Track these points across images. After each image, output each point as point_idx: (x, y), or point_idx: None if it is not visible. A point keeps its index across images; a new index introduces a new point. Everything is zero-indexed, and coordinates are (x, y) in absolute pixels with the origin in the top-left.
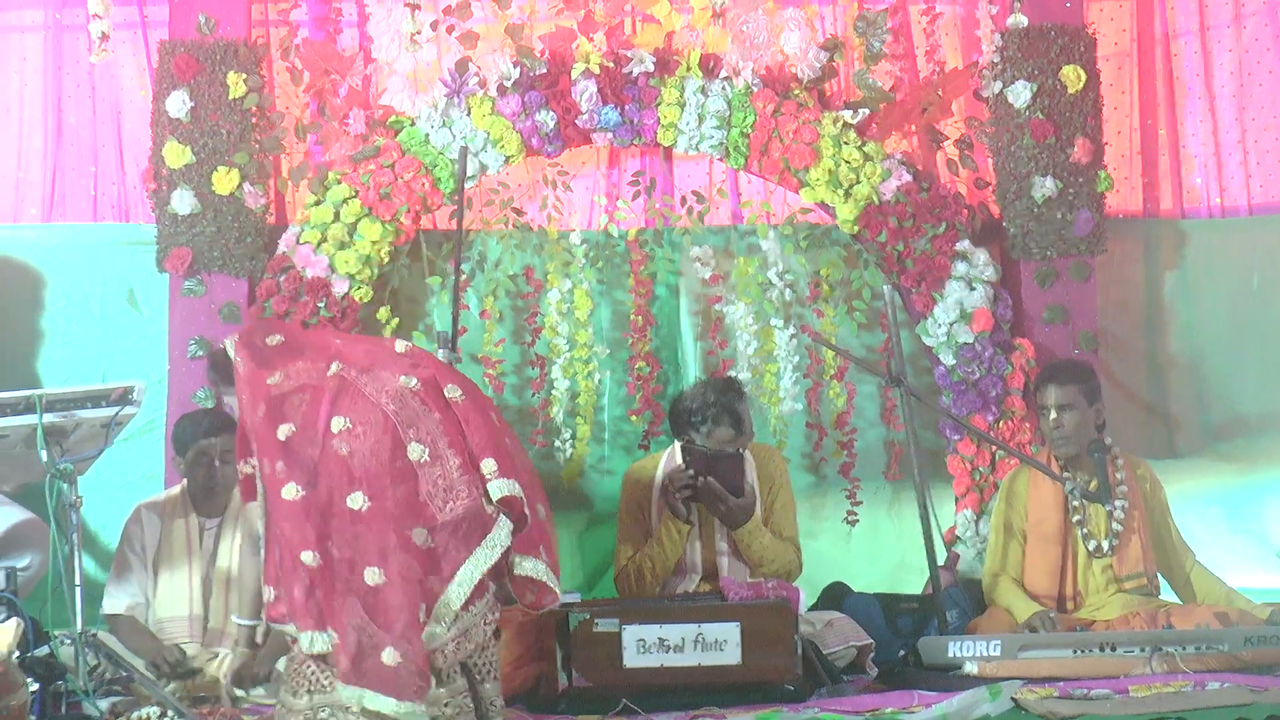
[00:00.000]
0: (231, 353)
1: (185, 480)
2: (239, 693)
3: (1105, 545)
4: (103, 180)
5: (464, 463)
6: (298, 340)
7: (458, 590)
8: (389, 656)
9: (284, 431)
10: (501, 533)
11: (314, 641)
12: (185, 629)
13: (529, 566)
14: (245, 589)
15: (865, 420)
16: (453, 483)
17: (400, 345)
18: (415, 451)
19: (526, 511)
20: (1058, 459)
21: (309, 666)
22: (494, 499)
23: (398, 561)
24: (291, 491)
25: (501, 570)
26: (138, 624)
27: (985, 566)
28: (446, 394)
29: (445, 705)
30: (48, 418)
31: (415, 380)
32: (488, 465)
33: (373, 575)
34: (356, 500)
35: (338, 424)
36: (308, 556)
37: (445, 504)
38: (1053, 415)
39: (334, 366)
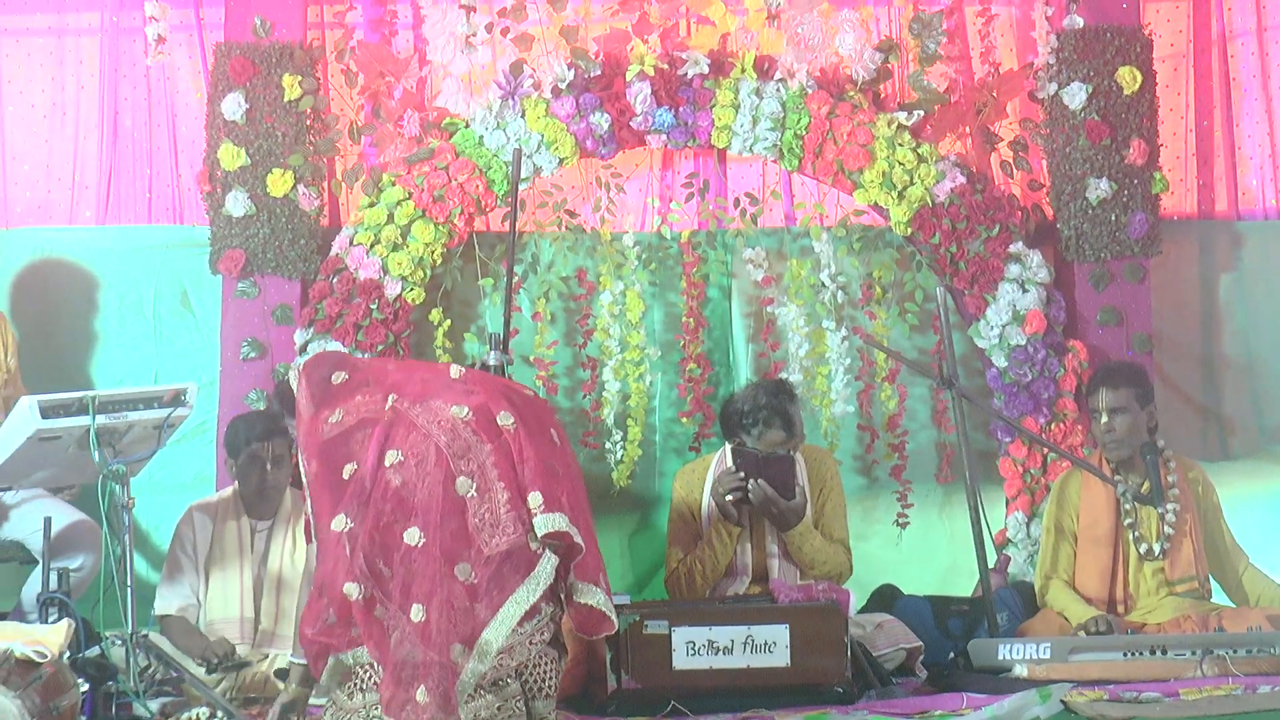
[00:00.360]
0: (294, 384)
1: (237, 482)
2: None
3: (1157, 548)
4: (157, 182)
5: (512, 497)
6: (360, 375)
7: (497, 629)
8: (421, 695)
9: (348, 470)
10: (545, 569)
11: (341, 660)
12: (236, 630)
13: (589, 597)
14: None
15: (917, 422)
16: (499, 518)
17: (455, 370)
18: (463, 486)
19: (579, 541)
20: (1109, 461)
21: (361, 668)
22: (539, 535)
23: (440, 596)
24: (340, 523)
25: (557, 592)
26: (189, 625)
27: (1037, 569)
28: (499, 422)
29: (498, 709)
30: (100, 419)
31: (467, 409)
32: (534, 500)
33: (417, 612)
34: (413, 535)
35: (391, 457)
36: (351, 589)
37: (491, 539)
38: (1104, 419)
39: (390, 399)
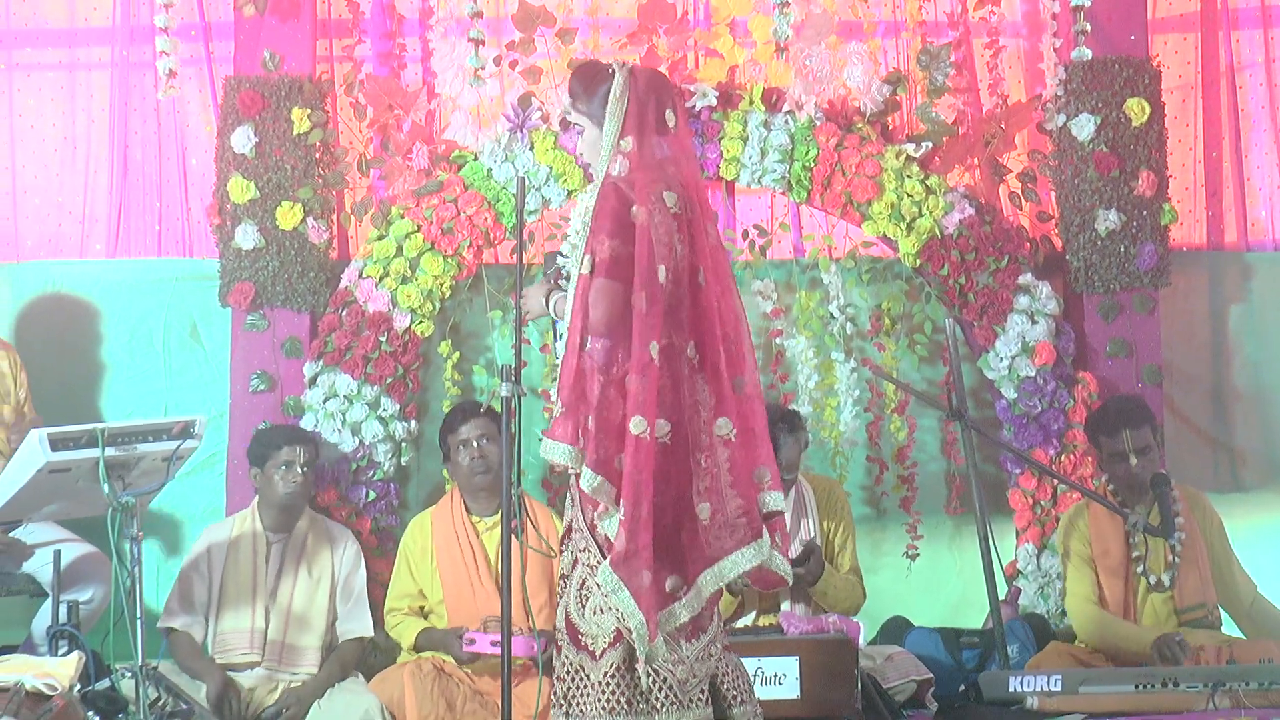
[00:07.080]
0: None
1: (259, 492)
2: None
3: (1166, 579)
4: (167, 215)
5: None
6: None
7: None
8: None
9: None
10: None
11: None
12: (246, 641)
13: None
14: None
15: (926, 454)
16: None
17: None
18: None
19: None
20: (1116, 495)
21: None
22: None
23: None
24: None
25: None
26: (194, 641)
27: (1069, 597)
28: None
29: None
30: (109, 452)
31: None
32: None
33: None
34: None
35: None
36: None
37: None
38: (1134, 460)
39: None
